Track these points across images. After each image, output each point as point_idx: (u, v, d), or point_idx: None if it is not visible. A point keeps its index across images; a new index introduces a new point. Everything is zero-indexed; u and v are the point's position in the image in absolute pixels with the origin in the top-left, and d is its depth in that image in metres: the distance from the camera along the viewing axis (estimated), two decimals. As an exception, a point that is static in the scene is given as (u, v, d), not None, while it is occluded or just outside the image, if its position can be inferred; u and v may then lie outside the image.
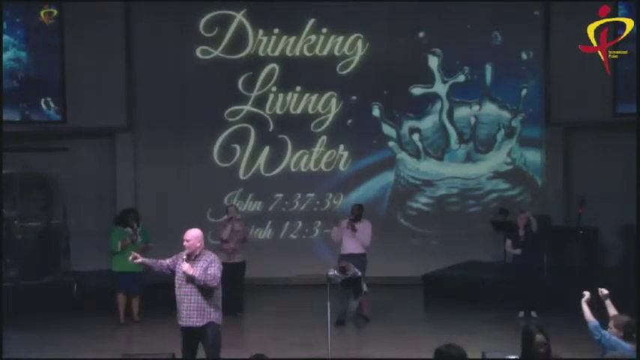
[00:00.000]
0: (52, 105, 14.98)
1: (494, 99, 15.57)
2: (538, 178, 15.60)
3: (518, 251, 12.44)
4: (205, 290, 8.28)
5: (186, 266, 8.25)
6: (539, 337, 6.48)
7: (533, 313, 12.40)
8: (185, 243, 8.36)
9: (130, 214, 12.47)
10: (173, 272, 8.43)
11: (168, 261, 8.53)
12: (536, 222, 12.65)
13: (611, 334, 7.09)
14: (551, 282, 13.09)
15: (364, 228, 12.31)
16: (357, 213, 12.46)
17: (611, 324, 7.18)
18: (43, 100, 14.96)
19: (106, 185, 15.35)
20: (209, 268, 8.28)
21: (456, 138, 15.65)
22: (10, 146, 12.88)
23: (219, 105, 15.47)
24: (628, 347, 6.95)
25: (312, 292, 11.28)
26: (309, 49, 15.58)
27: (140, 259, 8.57)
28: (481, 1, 15.20)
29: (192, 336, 8.37)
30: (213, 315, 8.35)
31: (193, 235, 8.40)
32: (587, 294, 7.45)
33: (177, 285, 8.38)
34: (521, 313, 12.46)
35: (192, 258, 8.34)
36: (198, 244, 8.38)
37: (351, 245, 12.25)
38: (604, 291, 7.51)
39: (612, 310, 7.44)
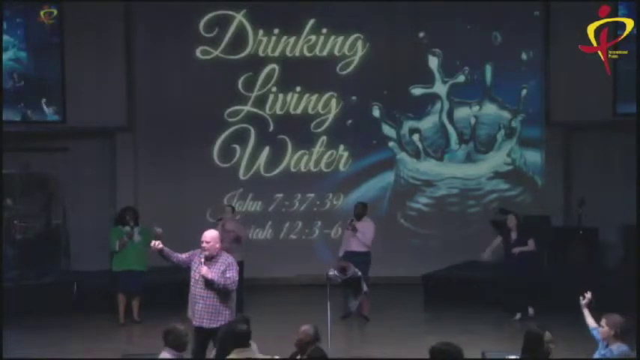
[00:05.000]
0: (51, 105, 14.98)
1: (494, 99, 15.56)
2: (538, 178, 15.59)
3: (486, 256, 12.49)
4: (222, 293, 8.27)
5: (204, 269, 8.20)
6: (548, 335, 6.59)
7: (531, 310, 12.36)
8: (204, 245, 8.31)
9: (128, 212, 12.45)
10: (189, 267, 8.41)
11: (184, 256, 8.51)
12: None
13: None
14: (551, 282, 13.07)
15: (366, 227, 12.31)
16: (358, 211, 12.49)
17: (603, 322, 7.14)
18: (42, 100, 14.96)
19: (106, 185, 15.34)
20: (227, 270, 8.27)
21: (456, 138, 15.64)
22: (11, 146, 12.89)
23: (219, 105, 15.46)
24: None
25: (312, 292, 11.28)
26: (309, 49, 15.57)
27: (160, 247, 8.45)
28: (481, 1, 15.20)
29: (203, 335, 8.35)
30: (228, 317, 8.33)
31: (212, 236, 8.35)
32: (588, 295, 7.45)
33: (192, 283, 8.35)
34: (518, 315, 12.41)
35: (209, 259, 8.30)
36: (217, 245, 8.36)
37: (353, 243, 12.26)
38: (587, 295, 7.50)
39: (590, 320, 7.43)
